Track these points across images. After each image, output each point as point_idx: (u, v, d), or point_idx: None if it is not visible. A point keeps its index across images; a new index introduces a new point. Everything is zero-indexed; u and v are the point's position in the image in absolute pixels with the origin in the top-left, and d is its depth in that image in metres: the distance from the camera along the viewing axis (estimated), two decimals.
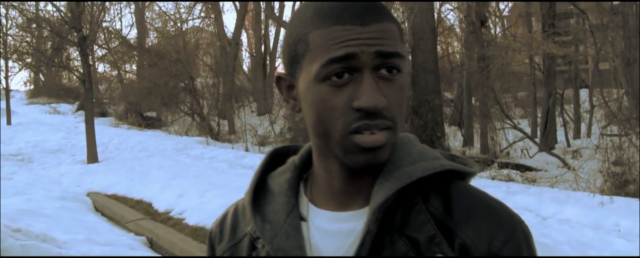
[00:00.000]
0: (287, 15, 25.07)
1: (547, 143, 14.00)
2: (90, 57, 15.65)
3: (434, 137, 12.19)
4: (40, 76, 33.27)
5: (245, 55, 32.50)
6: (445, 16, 24.71)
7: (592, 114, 16.25)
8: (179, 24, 24.81)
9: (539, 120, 15.96)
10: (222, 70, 20.91)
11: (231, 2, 27.46)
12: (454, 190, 0.81)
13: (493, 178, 9.51)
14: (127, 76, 27.98)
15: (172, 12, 24.40)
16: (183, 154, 13.04)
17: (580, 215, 6.62)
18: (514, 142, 14.01)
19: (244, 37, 31.38)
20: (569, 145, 15.06)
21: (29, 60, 17.74)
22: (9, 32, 18.99)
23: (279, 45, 24.84)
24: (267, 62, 27.32)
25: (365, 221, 0.80)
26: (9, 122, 20.65)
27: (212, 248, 0.97)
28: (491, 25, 19.23)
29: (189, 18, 25.09)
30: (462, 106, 17.05)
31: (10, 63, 21.92)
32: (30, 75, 34.39)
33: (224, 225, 0.96)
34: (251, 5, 24.32)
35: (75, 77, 17.94)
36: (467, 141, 15.59)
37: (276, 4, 25.83)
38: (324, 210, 0.86)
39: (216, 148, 14.22)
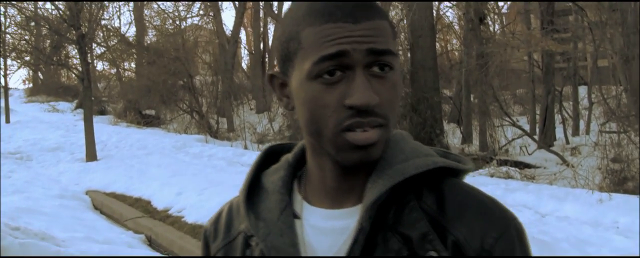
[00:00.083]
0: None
1: (546, 141, 14.00)
2: (88, 55, 15.64)
3: (433, 135, 12.18)
4: (39, 74, 33.18)
5: (244, 52, 32.56)
6: (444, 13, 24.77)
7: (590, 111, 16.23)
8: (177, 22, 24.74)
9: (537, 117, 15.96)
10: (221, 68, 20.85)
11: (230, 0, 27.33)
12: (447, 187, 0.81)
13: (492, 176, 9.50)
14: (126, 74, 27.93)
15: (170, 10, 24.29)
16: (182, 152, 13.03)
17: (579, 212, 6.62)
18: (513, 139, 14.03)
19: (242, 35, 31.47)
20: (567, 142, 15.06)
21: (27, 58, 17.69)
22: (7, 30, 19.00)
23: None
24: (266, 59, 27.25)
25: (358, 218, 0.80)
26: (7, 121, 20.62)
27: (207, 247, 0.97)
28: (490, 23, 19.27)
29: (188, 16, 25.09)
30: (461, 103, 17.02)
31: (8, 61, 21.89)
32: (28, 73, 34.27)
33: (219, 223, 0.96)
34: (250, 3, 24.29)
35: (74, 75, 17.93)
36: (466, 138, 15.59)
37: (275, 2, 25.82)
38: (317, 208, 0.85)
39: (215, 146, 14.21)
